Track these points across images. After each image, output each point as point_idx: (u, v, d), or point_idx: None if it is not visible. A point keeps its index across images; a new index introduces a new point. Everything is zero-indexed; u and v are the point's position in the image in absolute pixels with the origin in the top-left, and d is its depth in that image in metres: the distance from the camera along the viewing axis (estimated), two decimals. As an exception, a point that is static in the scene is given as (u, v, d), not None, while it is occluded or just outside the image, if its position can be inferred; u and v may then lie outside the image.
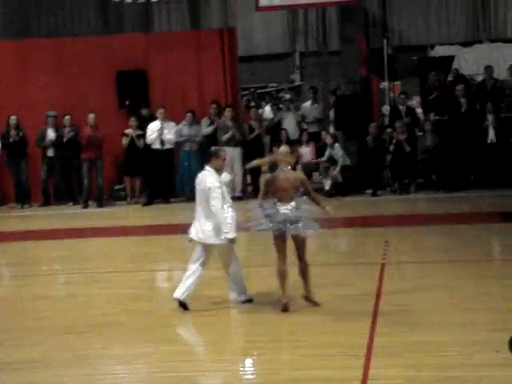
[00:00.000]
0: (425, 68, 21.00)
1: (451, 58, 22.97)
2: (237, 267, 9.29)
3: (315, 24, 27.51)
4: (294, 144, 18.69)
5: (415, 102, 21.46)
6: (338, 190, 17.86)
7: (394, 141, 17.90)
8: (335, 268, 10.17)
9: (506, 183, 17.24)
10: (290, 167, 9.12)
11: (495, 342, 7.38)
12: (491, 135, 17.79)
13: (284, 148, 9.53)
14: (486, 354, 7.17)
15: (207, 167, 9.17)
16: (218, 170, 9.13)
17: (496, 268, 11.19)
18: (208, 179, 9.03)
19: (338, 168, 18.10)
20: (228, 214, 8.94)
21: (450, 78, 20.41)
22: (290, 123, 19.35)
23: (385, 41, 24.91)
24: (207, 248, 9.14)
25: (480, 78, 20.92)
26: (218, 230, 8.97)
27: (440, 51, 25.83)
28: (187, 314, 9.14)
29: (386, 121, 19.96)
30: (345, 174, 18.19)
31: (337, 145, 18.28)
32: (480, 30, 27.76)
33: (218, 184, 8.99)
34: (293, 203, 8.85)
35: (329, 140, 18.40)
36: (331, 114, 20.43)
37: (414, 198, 17.61)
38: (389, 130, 18.55)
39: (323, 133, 18.96)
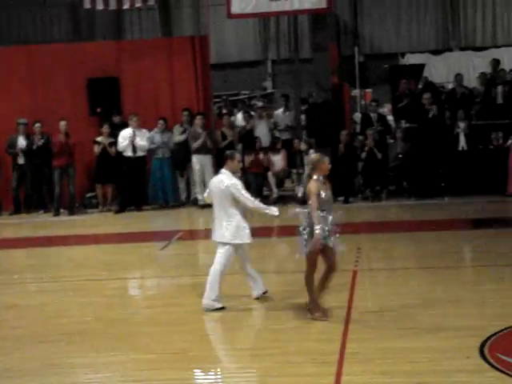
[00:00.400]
0: (396, 76, 21.14)
1: (422, 66, 23.14)
2: (215, 269, 9.45)
3: (287, 32, 27.65)
4: (265, 151, 18.78)
5: (386, 109, 21.59)
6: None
7: (365, 148, 17.98)
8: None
9: (477, 190, 17.38)
10: (316, 176, 8.65)
11: (466, 348, 7.45)
12: (462, 142, 17.94)
13: (313, 155, 8.96)
14: (457, 360, 7.22)
15: (223, 170, 9.50)
16: (234, 172, 9.49)
17: (467, 274, 11.27)
18: (226, 181, 9.35)
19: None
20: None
21: (420, 86, 20.57)
22: (262, 131, 19.39)
23: (356, 49, 25.08)
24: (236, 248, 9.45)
25: (450, 86, 21.11)
26: (237, 230, 9.32)
27: (411, 59, 26.03)
28: (159, 323, 9.12)
29: (358, 128, 20.06)
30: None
31: (311, 151, 18.30)
32: (450, 39, 28.05)
33: (237, 181, 9.37)
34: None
35: (303, 146, 18.44)
36: (303, 121, 20.51)
37: (386, 205, 17.69)
38: (360, 137, 18.64)
39: (296, 140, 19.01)
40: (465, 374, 6.89)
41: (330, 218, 8.72)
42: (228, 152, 9.81)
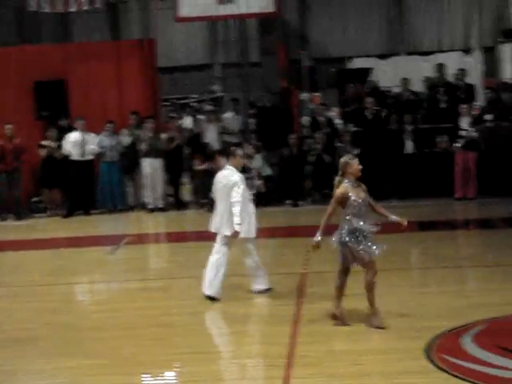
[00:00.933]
0: (343, 80, 21.31)
1: (369, 70, 23.35)
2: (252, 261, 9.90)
3: (235, 35, 27.68)
4: (214, 154, 18.75)
5: (334, 113, 21.72)
6: (260, 201, 17.94)
7: (314, 152, 18.09)
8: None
9: (424, 193, 17.62)
10: (347, 181, 8.66)
11: (412, 350, 7.55)
12: (409, 146, 18.15)
13: (341, 159, 8.80)
14: (404, 361, 7.31)
15: (227, 166, 9.73)
16: (237, 168, 9.71)
17: (413, 276, 11.42)
18: (229, 176, 9.59)
19: (256, 178, 18.18)
20: (251, 209, 9.78)
21: (366, 90, 20.76)
22: (211, 135, 19.38)
23: (304, 52, 25.20)
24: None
25: (397, 90, 21.34)
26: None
27: (358, 63, 26.23)
28: (108, 328, 9.07)
29: (306, 132, 20.16)
30: (267, 184, 18.31)
31: (257, 156, 18.38)
32: (397, 43, 28.37)
33: (240, 178, 9.57)
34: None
35: (250, 150, 18.48)
36: (252, 124, 20.53)
37: (334, 208, 17.75)
38: (309, 140, 18.74)
39: (244, 144, 19.02)
40: (412, 376, 6.98)
41: (365, 225, 8.83)
42: (230, 148, 10.09)
